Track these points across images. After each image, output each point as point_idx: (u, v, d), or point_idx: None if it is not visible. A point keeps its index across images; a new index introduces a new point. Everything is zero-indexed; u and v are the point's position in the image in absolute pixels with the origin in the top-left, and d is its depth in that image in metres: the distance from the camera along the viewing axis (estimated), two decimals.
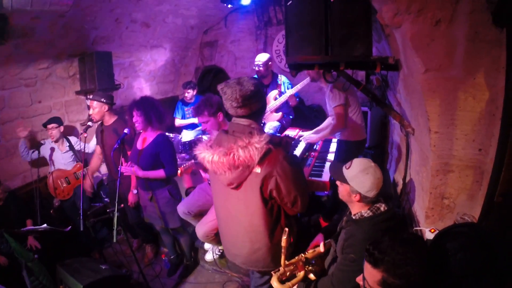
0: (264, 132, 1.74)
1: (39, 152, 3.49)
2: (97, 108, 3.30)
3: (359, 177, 1.67)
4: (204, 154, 1.77)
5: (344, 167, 1.76)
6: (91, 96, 3.42)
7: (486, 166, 1.71)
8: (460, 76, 1.67)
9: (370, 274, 1.31)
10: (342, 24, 2.09)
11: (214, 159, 1.72)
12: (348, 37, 2.10)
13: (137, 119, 2.83)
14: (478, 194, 1.78)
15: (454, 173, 1.85)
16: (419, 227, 2.07)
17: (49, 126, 3.56)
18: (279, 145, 1.77)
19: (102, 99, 3.30)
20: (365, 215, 1.71)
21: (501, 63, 1.48)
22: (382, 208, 1.72)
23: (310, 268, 1.84)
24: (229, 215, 1.98)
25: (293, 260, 1.80)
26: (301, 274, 1.80)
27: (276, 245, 1.88)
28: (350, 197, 1.73)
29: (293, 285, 1.75)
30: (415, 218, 2.23)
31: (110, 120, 3.38)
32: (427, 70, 1.75)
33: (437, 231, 1.81)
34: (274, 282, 1.74)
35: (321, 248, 1.91)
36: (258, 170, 1.72)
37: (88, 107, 4.08)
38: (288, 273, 1.78)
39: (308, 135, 3.50)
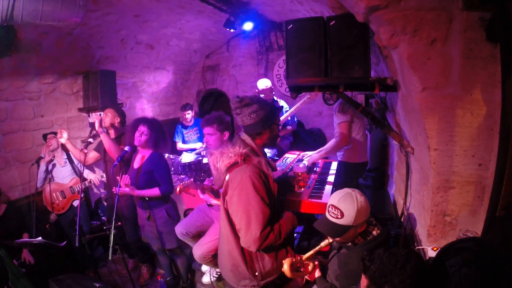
0: (248, 148, 1.88)
1: (38, 166, 3.47)
2: (110, 115, 3.43)
3: (359, 209, 1.62)
4: (208, 152, 2.00)
5: (334, 220, 1.65)
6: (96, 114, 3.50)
7: (487, 181, 1.71)
8: (457, 93, 1.70)
9: (362, 279, 1.35)
10: (340, 47, 2.17)
11: (208, 157, 1.96)
12: (347, 59, 2.17)
13: (141, 135, 2.85)
14: (480, 209, 1.77)
15: (455, 190, 1.85)
16: (421, 246, 2.04)
17: (49, 136, 3.58)
18: (258, 164, 1.84)
19: (118, 112, 3.49)
20: (357, 242, 1.70)
21: (497, 78, 1.51)
22: (374, 232, 1.71)
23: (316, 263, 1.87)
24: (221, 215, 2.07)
25: (309, 254, 1.81)
26: (311, 266, 1.82)
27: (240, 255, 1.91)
28: (356, 232, 1.69)
29: (301, 275, 1.80)
30: (417, 238, 2.20)
31: (114, 135, 3.47)
32: (425, 89, 1.78)
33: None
34: (285, 265, 1.74)
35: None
36: (227, 177, 1.85)
37: (91, 124, 4.13)
38: (298, 264, 1.80)
39: (311, 155, 3.51)
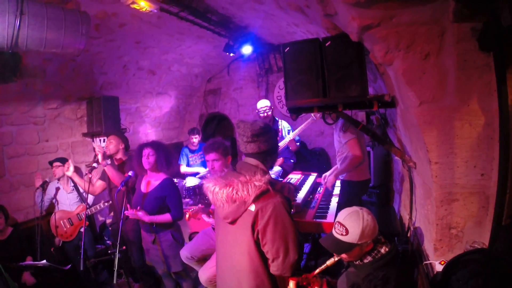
0: (268, 174, 1.80)
1: (44, 191, 3.49)
2: (114, 142, 3.48)
3: (364, 227, 1.62)
4: (208, 184, 1.82)
5: (339, 237, 1.66)
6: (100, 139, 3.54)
7: (491, 190, 1.68)
8: (454, 104, 1.70)
9: None
10: (337, 66, 2.18)
11: (215, 190, 1.77)
12: (344, 79, 2.18)
13: (149, 157, 2.88)
14: (485, 219, 1.73)
15: (459, 202, 1.82)
16: (429, 261, 1.99)
17: (54, 164, 3.64)
18: (280, 190, 1.79)
19: (122, 138, 3.55)
20: (365, 261, 1.68)
21: (493, 86, 1.52)
22: (382, 250, 1.68)
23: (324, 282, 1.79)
24: (225, 250, 1.95)
25: (316, 272, 1.77)
26: (318, 285, 1.75)
27: None
28: (362, 251, 1.67)
29: None
30: (424, 253, 2.15)
31: (120, 160, 3.51)
32: (422, 103, 1.79)
33: None
34: (291, 283, 1.71)
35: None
36: (252, 208, 1.73)
37: (94, 149, 4.17)
38: (304, 283, 1.74)
39: (328, 178, 3.47)
